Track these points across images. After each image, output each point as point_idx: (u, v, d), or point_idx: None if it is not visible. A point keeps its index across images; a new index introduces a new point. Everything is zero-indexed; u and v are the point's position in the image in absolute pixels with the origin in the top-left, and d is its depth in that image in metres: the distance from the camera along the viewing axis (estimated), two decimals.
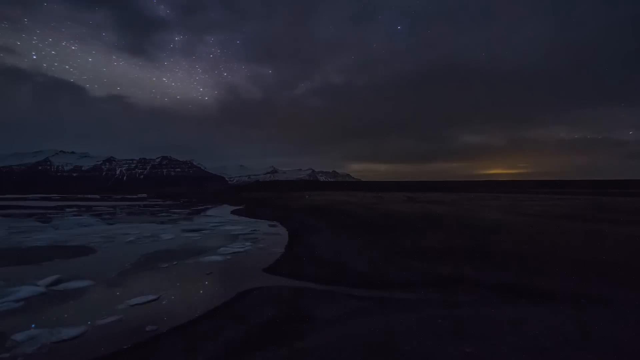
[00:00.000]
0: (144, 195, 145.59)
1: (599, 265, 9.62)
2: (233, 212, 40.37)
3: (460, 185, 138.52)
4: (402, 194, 57.42)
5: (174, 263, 12.61)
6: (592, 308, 6.43)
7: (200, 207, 53.53)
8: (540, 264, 10.24)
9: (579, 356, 4.10)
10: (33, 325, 6.92)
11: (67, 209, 45.89)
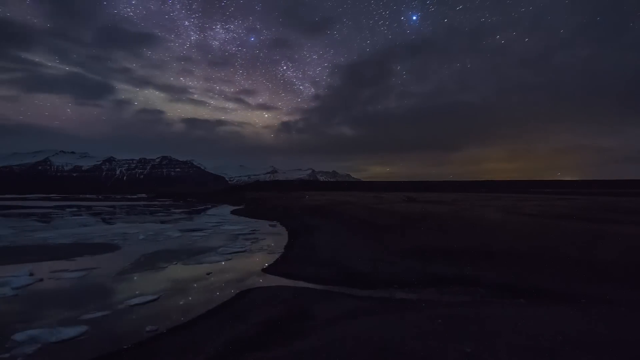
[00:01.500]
0: (144, 195, 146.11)
1: (600, 265, 9.61)
2: (233, 212, 40.39)
3: (460, 185, 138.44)
4: (402, 194, 57.39)
5: (174, 263, 12.61)
6: (592, 308, 6.43)
7: (200, 207, 53.57)
8: (540, 263, 10.25)
9: (579, 356, 4.09)
10: (29, 327, 6.91)
11: (67, 209, 45.92)
